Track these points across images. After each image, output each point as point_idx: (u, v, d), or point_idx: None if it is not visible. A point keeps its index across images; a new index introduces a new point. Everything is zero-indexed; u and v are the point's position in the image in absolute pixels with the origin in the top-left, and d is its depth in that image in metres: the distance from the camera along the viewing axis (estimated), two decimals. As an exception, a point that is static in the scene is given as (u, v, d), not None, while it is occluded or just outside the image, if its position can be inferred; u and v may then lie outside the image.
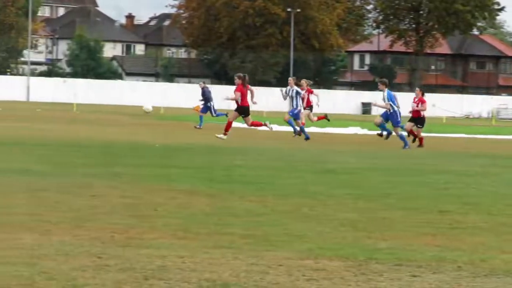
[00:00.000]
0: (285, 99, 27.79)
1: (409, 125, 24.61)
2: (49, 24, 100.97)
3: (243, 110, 24.05)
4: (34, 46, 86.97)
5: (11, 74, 79.10)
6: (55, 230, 7.89)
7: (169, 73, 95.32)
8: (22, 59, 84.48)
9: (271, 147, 23.36)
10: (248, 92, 24.16)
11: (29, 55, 79.20)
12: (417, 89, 26.94)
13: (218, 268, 6.30)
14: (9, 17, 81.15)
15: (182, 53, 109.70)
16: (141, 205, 9.95)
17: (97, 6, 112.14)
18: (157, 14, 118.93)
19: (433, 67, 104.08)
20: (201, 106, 34.88)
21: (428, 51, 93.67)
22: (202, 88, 35.59)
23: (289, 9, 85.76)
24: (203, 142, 23.86)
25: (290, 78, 27.81)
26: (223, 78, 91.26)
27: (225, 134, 23.69)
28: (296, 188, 12.57)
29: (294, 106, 26.26)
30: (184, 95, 67.80)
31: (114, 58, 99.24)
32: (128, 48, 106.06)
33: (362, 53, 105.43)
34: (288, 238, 7.85)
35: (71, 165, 15.27)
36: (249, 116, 24.32)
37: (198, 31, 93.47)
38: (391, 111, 23.70)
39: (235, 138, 24.72)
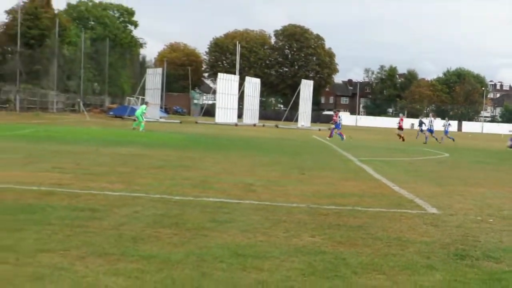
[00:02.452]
0: None
1: None
2: (493, 100, 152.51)
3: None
4: (485, 109, 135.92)
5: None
6: (488, 186, 12.96)
7: None
8: (479, 115, 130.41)
9: None
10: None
11: (482, 114, 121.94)
12: None
13: None
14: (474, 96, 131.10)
15: None
16: None
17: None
18: None
19: None
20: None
21: None
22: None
23: None
24: None
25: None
26: None
27: (329, 137, 36.18)
28: None
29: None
30: None
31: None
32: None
33: None
34: None
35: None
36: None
37: None
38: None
39: None
